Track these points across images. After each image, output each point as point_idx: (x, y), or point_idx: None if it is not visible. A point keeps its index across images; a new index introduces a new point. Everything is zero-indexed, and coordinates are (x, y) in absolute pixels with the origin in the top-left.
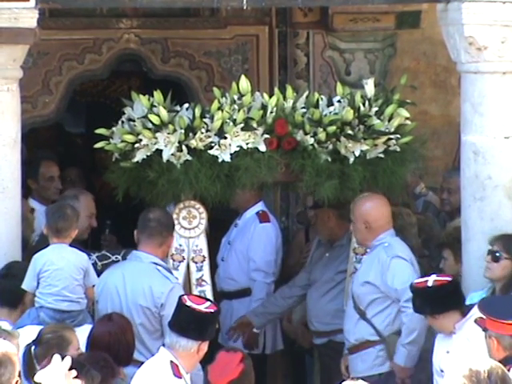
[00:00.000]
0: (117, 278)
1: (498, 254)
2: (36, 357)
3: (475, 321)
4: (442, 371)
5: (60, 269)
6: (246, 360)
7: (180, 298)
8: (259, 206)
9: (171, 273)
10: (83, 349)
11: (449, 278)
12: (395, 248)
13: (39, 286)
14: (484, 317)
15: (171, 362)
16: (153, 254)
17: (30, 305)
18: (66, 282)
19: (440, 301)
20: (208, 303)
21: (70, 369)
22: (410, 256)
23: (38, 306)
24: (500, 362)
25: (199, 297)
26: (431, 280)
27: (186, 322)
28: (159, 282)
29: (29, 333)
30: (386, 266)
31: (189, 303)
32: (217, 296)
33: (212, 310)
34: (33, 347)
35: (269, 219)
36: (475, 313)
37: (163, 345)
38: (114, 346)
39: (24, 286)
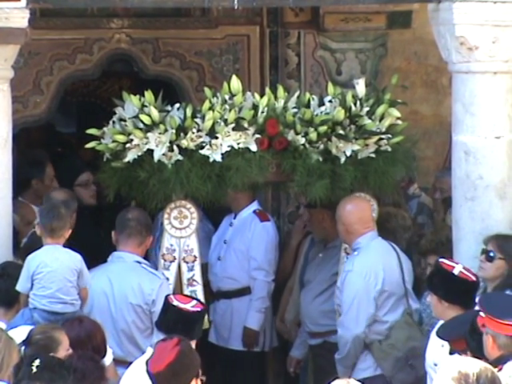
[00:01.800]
0: (102, 281)
1: (492, 254)
2: (26, 357)
3: None
4: (435, 365)
5: (54, 271)
6: (182, 342)
7: (166, 297)
8: (255, 205)
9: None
10: None
11: (473, 276)
12: (360, 259)
13: (33, 288)
14: (483, 314)
15: None
16: (133, 253)
17: (24, 305)
18: (59, 284)
19: (456, 292)
20: (194, 302)
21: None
22: (371, 269)
23: (32, 307)
24: (494, 360)
25: (185, 296)
26: (458, 268)
27: (173, 322)
28: (148, 279)
29: (22, 333)
30: (342, 279)
31: (175, 303)
32: (209, 295)
33: (199, 309)
34: (23, 348)
35: (268, 218)
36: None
37: (151, 345)
38: (82, 347)
39: (18, 287)
